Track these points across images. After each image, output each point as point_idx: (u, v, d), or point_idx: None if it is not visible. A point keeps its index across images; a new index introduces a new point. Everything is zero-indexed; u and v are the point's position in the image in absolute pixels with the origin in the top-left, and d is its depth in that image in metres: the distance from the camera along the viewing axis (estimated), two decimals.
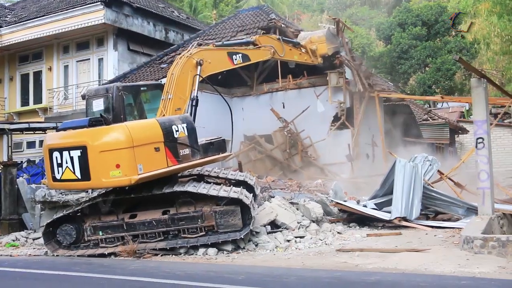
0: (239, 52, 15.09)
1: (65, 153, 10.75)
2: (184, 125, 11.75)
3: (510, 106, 18.30)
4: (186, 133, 11.72)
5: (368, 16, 54.57)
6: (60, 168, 10.86)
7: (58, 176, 10.95)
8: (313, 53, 19.21)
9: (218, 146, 12.93)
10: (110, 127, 10.83)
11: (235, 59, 14.84)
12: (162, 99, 12.38)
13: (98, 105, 11.93)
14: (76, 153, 10.63)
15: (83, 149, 10.56)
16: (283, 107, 22.55)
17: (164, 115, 12.03)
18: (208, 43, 14.33)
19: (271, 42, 16.79)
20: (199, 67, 13.08)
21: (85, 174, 10.61)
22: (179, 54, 21.68)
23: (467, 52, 38.84)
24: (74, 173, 10.70)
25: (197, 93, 12.88)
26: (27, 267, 9.93)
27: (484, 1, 24.91)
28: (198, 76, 12.97)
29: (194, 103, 12.78)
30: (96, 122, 10.89)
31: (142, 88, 12.99)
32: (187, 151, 11.66)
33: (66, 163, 10.75)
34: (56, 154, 10.90)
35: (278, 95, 23.16)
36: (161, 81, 14.81)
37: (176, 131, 11.47)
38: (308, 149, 21.66)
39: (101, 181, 10.65)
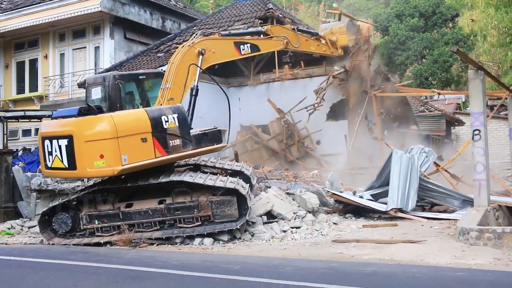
0: (248, 42, 14.69)
1: (55, 142, 10.82)
2: (175, 115, 11.62)
3: (506, 98, 18.25)
4: (177, 124, 11.59)
5: (365, 7, 54.40)
6: (50, 156, 10.95)
7: (49, 164, 11.04)
8: (333, 44, 18.90)
9: (212, 136, 12.74)
10: (96, 117, 10.81)
11: (243, 49, 14.46)
12: (161, 88, 12.30)
13: (97, 93, 11.94)
14: (63, 142, 10.68)
15: (70, 138, 10.61)
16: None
17: (161, 104, 11.95)
18: (214, 32, 14.12)
19: (284, 32, 16.37)
20: (200, 56, 12.89)
21: (72, 163, 10.65)
22: (176, 43, 21.61)
23: (464, 44, 38.79)
24: (62, 161, 10.75)
25: (197, 83, 12.73)
26: (23, 256, 9.91)
27: None
28: (196, 65, 12.77)
29: (194, 93, 12.65)
30: (86, 111, 10.87)
31: (140, 77, 12.93)
32: (177, 141, 11.55)
33: (55, 151, 10.79)
34: (47, 142, 11.00)
35: (275, 85, 23.09)
36: (162, 69, 14.66)
37: (166, 121, 11.36)
38: (304, 139, 21.63)
39: (85, 170, 10.68)
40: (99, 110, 10.95)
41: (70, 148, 10.60)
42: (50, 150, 10.91)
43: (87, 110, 10.89)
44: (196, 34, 13.60)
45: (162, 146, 11.24)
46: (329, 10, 20.36)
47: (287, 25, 17.55)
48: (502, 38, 23.84)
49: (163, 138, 11.27)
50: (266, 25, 16.59)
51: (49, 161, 10.98)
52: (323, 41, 18.68)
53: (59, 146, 10.72)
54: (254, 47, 14.91)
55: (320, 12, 52.66)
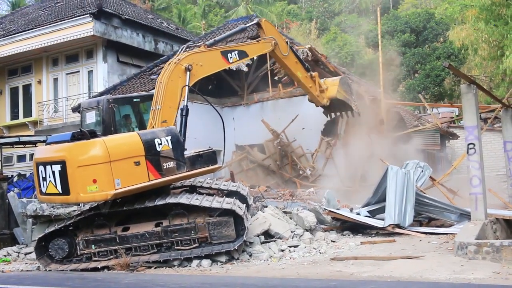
0: (235, 49, 14.29)
1: (48, 167, 10.77)
2: (169, 137, 11.56)
3: (499, 111, 18.36)
4: (171, 146, 11.53)
5: (356, 24, 54.80)
6: (44, 182, 10.90)
7: (44, 190, 10.98)
8: (321, 91, 18.19)
9: (207, 158, 12.63)
10: (88, 142, 10.78)
11: (231, 57, 14.01)
12: (152, 110, 12.17)
13: (91, 117, 11.95)
14: (57, 168, 10.64)
15: (63, 164, 10.56)
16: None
17: (153, 127, 11.91)
18: (199, 45, 13.91)
19: (275, 35, 15.79)
20: (187, 73, 12.59)
21: (65, 189, 10.60)
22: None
23: (455, 58, 39.12)
24: (56, 187, 10.70)
25: (187, 103, 12.50)
26: (20, 283, 9.81)
27: (471, 7, 25.16)
28: (186, 86, 12.56)
29: (184, 113, 12.46)
30: (79, 136, 10.85)
31: (135, 100, 12.92)
32: (171, 164, 11.49)
33: (49, 177, 10.76)
34: (41, 168, 10.95)
35: (269, 104, 23.14)
36: None
37: (159, 144, 11.31)
38: (300, 159, 21.61)
39: (79, 195, 10.61)
40: (92, 135, 10.93)
41: (63, 174, 10.56)
42: (44, 175, 10.87)
43: (80, 135, 10.88)
44: (182, 50, 13.33)
45: (156, 169, 11.19)
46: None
47: (282, 36, 16.95)
48: (493, 52, 24.03)
49: (156, 161, 11.22)
50: (260, 18, 16.15)
51: (44, 186, 10.94)
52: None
53: (53, 172, 10.69)
54: (242, 53, 14.47)
55: (312, 30, 52.98)
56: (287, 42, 16.37)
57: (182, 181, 12.68)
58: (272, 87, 22.83)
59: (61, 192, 10.66)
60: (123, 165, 10.71)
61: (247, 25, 15.77)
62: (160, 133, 11.56)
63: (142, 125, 12.61)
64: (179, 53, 13.08)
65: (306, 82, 17.48)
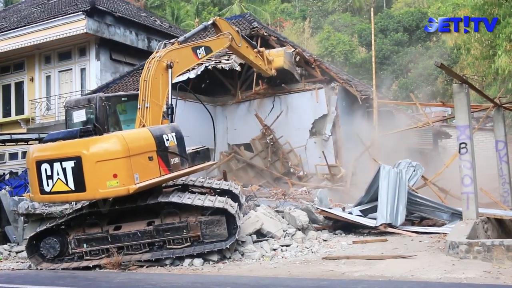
0: (201, 45, 14.89)
1: (56, 165, 10.51)
2: (173, 134, 11.75)
3: (491, 110, 18.44)
4: (176, 142, 11.73)
5: (350, 23, 54.85)
6: (50, 180, 10.60)
7: (47, 189, 10.67)
8: (268, 62, 19.39)
9: (203, 154, 13.03)
10: (106, 137, 10.74)
11: (199, 53, 14.60)
12: (139, 108, 12.14)
13: (79, 116, 11.83)
14: (69, 164, 10.42)
15: (77, 160, 10.36)
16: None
17: (143, 125, 11.89)
18: (172, 42, 14.10)
19: (230, 29, 16.61)
20: (169, 70, 12.75)
21: (80, 185, 10.40)
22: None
23: (448, 57, 39.20)
24: (67, 184, 10.49)
25: (171, 101, 12.64)
26: (10, 282, 9.77)
27: (464, 7, 25.21)
28: (170, 83, 12.69)
29: (170, 112, 12.59)
30: (86, 132, 10.76)
31: (123, 99, 12.91)
32: (177, 160, 11.67)
33: (58, 174, 10.53)
34: (45, 166, 10.62)
35: (255, 103, 23.00)
36: None
37: (167, 140, 11.46)
38: (288, 154, 21.64)
39: (97, 191, 10.44)
40: (99, 131, 10.82)
41: (77, 170, 10.37)
42: (50, 174, 10.59)
43: (88, 131, 10.78)
44: (160, 47, 13.48)
45: (165, 164, 11.28)
46: (290, 48, 21.15)
47: (233, 26, 17.65)
48: (485, 51, 24.03)
49: (165, 156, 11.31)
50: (214, 18, 16.91)
51: (48, 185, 10.65)
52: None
53: (63, 169, 10.48)
54: (207, 49, 15.11)
55: (305, 29, 52.99)
56: (237, 32, 17.11)
57: (174, 180, 12.68)
58: (256, 86, 22.77)
59: (73, 189, 10.47)
60: (140, 160, 10.71)
61: (208, 23, 16.37)
62: (166, 129, 11.71)
63: (119, 126, 12.49)
64: (157, 50, 13.22)
65: (257, 61, 18.75)
